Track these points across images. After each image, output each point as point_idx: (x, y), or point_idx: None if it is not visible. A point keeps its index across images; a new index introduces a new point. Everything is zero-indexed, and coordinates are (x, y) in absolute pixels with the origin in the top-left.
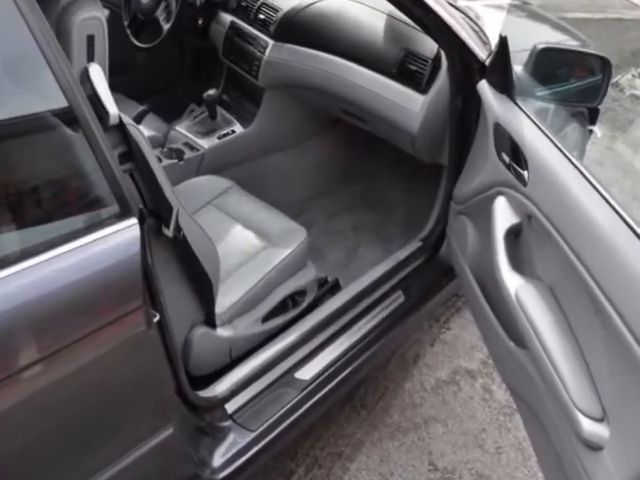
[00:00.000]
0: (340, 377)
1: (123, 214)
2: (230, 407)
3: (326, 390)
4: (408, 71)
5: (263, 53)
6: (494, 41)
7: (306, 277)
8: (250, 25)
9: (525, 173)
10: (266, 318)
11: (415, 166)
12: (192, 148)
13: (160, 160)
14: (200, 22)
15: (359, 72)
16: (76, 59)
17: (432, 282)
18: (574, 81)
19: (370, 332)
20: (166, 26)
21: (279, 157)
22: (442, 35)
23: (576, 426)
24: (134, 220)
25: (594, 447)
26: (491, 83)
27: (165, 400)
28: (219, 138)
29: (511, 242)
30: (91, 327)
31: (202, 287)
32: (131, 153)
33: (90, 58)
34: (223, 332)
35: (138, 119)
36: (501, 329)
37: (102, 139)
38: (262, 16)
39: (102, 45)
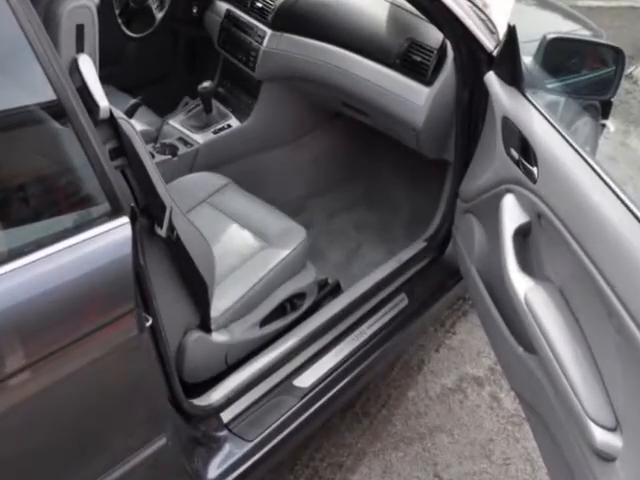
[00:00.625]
0: (341, 384)
1: (114, 213)
2: (226, 416)
3: (326, 398)
4: (412, 62)
5: (260, 43)
6: (502, 31)
7: (306, 279)
8: (247, 14)
9: (534, 169)
10: (264, 322)
11: (419, 162)
12: (186, 143)
13: (153, 156)
14: (194, 10)
15: (360, 63)
16: (65, 49)
17: (437, 284)
18: (586, 73)
19: (372, 337)
20: (159, 15)
21: (277, 153)
22: (448, 24)
23: (588, 436)
24: (125, 219)
25: (607, 458)
26: (499, 75)
27: (158, 409)
28: (214, 133)
29: (520, 242)
30: (80, 332)
31: (197, 290)
32: (122, 148)
33: (80, 48)
34: (218, 337)
35: (130, 113)
36: (509, 333)
37: (92, 133)
38: (259, 4)
39: (92, 35)
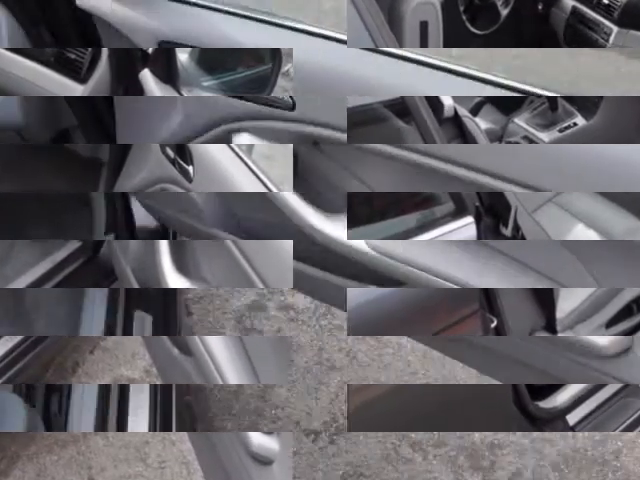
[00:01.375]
0: None
1: (458, 212)
2: (572, 419)
3: None
4: None
5: (606, 40)
6: None
7: None
8: (593, 10)
9: (190, 168)
10: (610, 323)
11: None
12: (531, 141)
13: None
14: (540, 7)
15: None
16: (409, 46)
17: None
18: (242, 70)
19: None
20: (504, 11)
21: None
22: None
23: (244, 439)
24: (470, 219)
25: (263, 461)
26: (154, 72)
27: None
28: (560, 131)
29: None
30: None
31: (542, 289)
32: None
33: (423, 45)
34: None
35: (475, 110)
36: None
37: (436, 132)
38: (606, 0)
39: (436, 31)
